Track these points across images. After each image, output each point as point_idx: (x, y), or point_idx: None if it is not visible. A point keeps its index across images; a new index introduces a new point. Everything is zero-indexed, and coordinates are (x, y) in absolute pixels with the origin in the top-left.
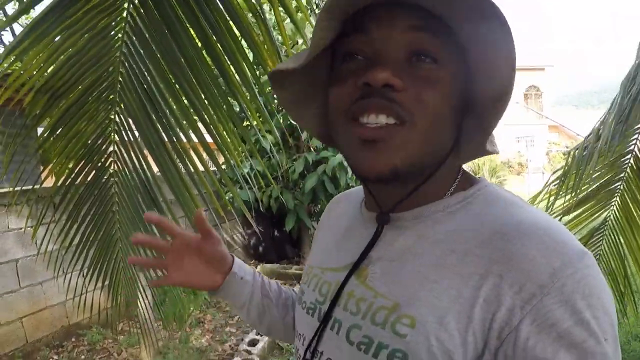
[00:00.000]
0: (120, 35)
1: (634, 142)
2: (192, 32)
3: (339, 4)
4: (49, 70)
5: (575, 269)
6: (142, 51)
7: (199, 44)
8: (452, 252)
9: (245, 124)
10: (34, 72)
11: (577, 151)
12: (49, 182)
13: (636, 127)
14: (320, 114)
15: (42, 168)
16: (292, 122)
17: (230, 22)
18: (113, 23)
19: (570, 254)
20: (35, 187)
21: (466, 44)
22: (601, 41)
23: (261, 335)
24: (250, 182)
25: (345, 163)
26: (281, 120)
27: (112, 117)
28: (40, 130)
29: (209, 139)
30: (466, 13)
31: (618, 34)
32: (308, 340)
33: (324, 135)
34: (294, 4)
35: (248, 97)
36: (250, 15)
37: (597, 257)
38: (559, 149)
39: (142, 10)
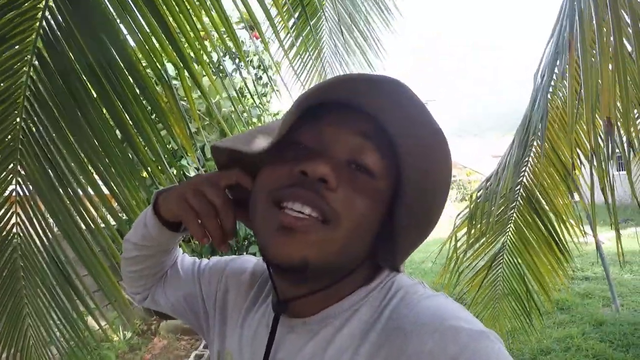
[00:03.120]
0: (20, 99)
1: (522, 174)
2: (96, 96)
3: (311, 99)
4: None
5: (473, 352)
6: (43, 117)
7: (104, 111)
8: (357, 355)
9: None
10: None
11: (479, 192)
12: None
13: (524, 159)
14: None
15: None
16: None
17: (137, 90)
18: (14, 86)
19: (466, 339)
20: None
21: (404, 159)
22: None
23: None
24: None
25: None
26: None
27: (14, 187)
28: None
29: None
30: (407, 126)
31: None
32: None
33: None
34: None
35: (158, 167)
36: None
37: (499, 279)
38: (457, 180)
39: (43, 75)
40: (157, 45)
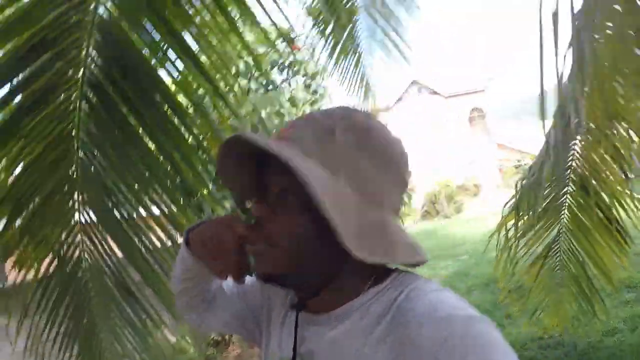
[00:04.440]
0: (75, 139)
1: (570, 158)
2: (141, 129)
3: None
4: (9, 181)
5: (464, 333)
6: (96, 150)
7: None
8: (365, 345)
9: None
10: None
11: (524, 181)
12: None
13: (572, 143)
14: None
15: (5, 264)
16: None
17: (175, 120)
18: (68, 127)
19: (459, 323)
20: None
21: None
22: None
23: None
24: None
25: None
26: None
27: (78, 215)
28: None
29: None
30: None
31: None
32: None
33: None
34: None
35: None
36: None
37: (558, 266)
38: (509, 164)
39: (93, 116)
40: (189, 78)
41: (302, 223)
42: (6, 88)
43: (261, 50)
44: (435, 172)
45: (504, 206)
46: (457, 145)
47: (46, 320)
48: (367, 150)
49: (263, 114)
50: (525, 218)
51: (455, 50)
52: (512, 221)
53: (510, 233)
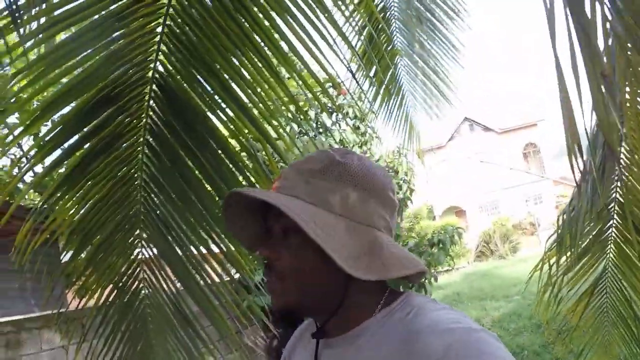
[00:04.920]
0: (138, 180)
1: (613, 190)
2: (198, 172)
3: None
4: (80, 213)
5: (464, 341)
6: (157, 191)
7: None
8: (381, 355)
9: None
10: (66, 217)
11: (564, 214)
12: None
13: (613, 175)
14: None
15: (67, 292)
16: None
17: (229, 163)
18: (132, 170)
19: (460, 333)
20: (59, 310)
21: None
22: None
23: None
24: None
25: None
26: None
27: (139, 250)
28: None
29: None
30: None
31: None
32: None
33: None
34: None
35: None
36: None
37: (604, 305)
38: (567, 200)
39: (154, 160)
40: (240, 124)
41: (304, 255)
42: (77, 136)
43: (309, 95)
44: (490, 210)
45: (546, 241)
46: (512, 182)
47: (103, 344)
48: (348, 180)
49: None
50: (569, 254)
51: (508, 84)
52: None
53: (554, 270)
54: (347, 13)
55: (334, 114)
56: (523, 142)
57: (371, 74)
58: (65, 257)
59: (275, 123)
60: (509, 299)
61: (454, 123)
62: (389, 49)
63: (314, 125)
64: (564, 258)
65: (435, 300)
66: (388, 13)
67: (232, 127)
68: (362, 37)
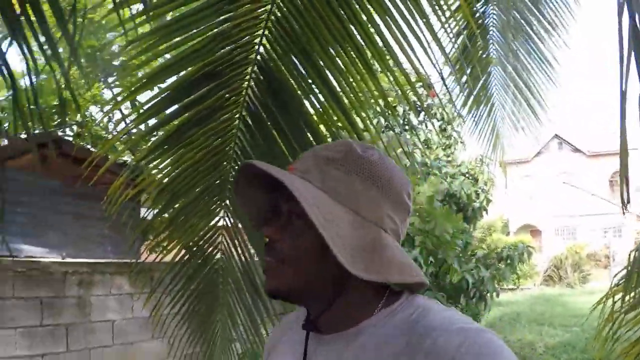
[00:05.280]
0: (230, 152)
1: None
2: (286, 151)
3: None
4: (170, 176)
5: (474, 340)
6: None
7: (291, 161)
8: (387, 354)
9: None
10: (156, 178)
11: (637, 252)
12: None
13: None
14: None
15: (143, 246)
16: None
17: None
18: (225, 142)
19: (469, 333)
20: (136, 261)
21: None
22: None
23: None
24: None
25: (421, 259)
26: None
27: (220, 216)
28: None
29: None
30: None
31: None
32: None
33: None
34: None
35: None
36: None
37: None
38: None
39: (247, 135)
40: (332, 115)
41: (306, 241)
42: (177, 105)
43: (399, 92)
44: (566, 235)
45: (614, 276)
46: (593, 209)
47: (171, 299)
48: (364, 175)
49: (394, 153)
50: (633, 294)
51: (592, 92)
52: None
53: (617, 306)
54: (443, 18)
55: (422, 113)
56: (612, 168)
57: (463, 79)
58: (145, 214)
59: (363, 115)
60: (567, 329)
61: (543, 139)
62: (483, 56)
63: (401, 121)
64: (629, 296)
65: (437, 301)
66: (486, 20)
67: (323, 113)
68: (457, 43)
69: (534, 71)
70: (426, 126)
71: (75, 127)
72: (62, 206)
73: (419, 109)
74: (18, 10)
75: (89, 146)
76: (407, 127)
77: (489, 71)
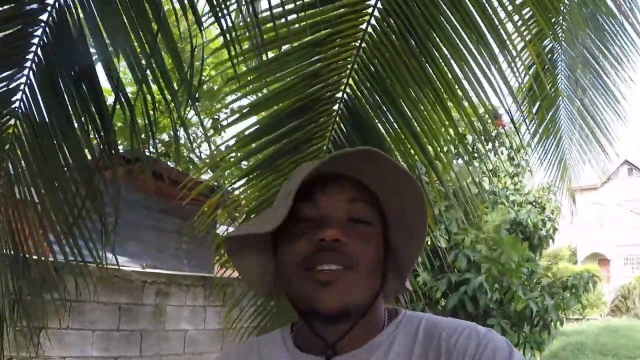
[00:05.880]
0: (329, 128)
1: None
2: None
3: (298, 185)
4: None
5: (488, 339)
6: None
7: None
8: None
9: None
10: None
11: None
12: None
13: None
14: (261, 267)
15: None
16: (438, 245)
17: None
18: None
19: (481, 332)
20: (210, 275)
21: (385, 204)
22: None
23: None
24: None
25: (486, 286)
26: (428, 242)
27: None
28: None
29: None
30: (387, 181)
31: None
32: None
33: (265, 287)
34: None
35: None
36: None
37: None
38: None
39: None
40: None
41: (376, 248)
42: (271, 135)
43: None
44: (636, 264)
45: None
46: None
47: (239, 312)
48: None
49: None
50: None
51: None
52: None
53: None
54: (509, 57)
55: (490, 142)
56: None
57: (534, 110)
58: (222, 232)
59: (435, 144)
60: None
61: (612, 165)
62: (552, 90)
63: (470, 149)
64: None
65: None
66: (554, 56)
67: (402, 149)
68: (525, 78)
69: (601, 105)
70: (495, 154)
71: (159, 146)
72: (144, 219)
73: (487, 138)
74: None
75: (171, 164)
76: (475, 156)
77: (557, 104)
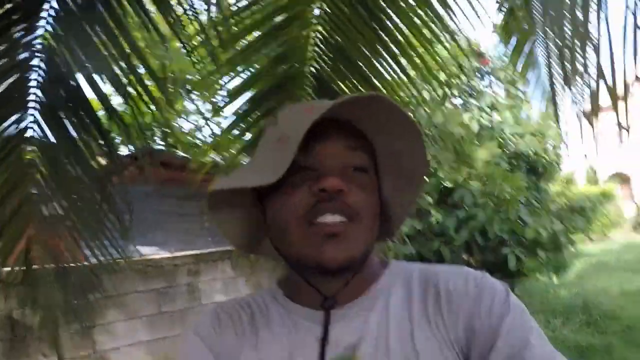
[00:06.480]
0: None
1: None
2: None
3: (303, 135)
4: None
5: (483, 279)
6: None
7: None
8: (413, 309)
9: None
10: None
11: None
12: None
13: None
14: (244, 221)
15: None
16: (446, 184)
17: None
18: None
19: (477, 274)
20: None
21: (378, 149)
22: None
23: None
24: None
25: (483, 219)
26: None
27: None
28: None
29: None
30: (382, 124)
31: None
32: None
33: (245, 243)
34: None
35: None
36: None
37: None
38: None
39: None
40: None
41: (375, 197)
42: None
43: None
44: None
45: None
46: None
47: (267, 278)
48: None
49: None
50: None
51: None
52: None
53: None
54: None
55: (485, 76)
56: None
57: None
58: None
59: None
60: None
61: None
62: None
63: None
64: None
65: None
66: None
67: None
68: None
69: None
70: (491, 89)
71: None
72: (165, 207)
73: (482, 73)
74: None
75: (179, 152)
76: (470, 93)
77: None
